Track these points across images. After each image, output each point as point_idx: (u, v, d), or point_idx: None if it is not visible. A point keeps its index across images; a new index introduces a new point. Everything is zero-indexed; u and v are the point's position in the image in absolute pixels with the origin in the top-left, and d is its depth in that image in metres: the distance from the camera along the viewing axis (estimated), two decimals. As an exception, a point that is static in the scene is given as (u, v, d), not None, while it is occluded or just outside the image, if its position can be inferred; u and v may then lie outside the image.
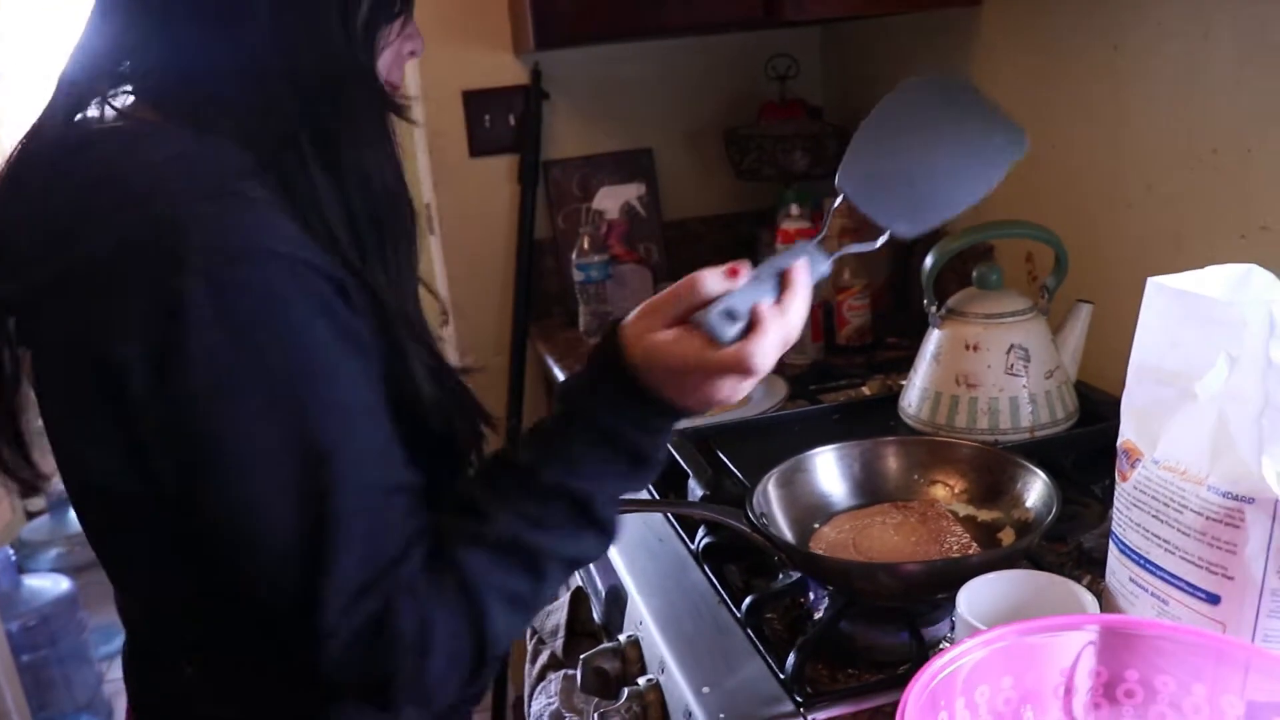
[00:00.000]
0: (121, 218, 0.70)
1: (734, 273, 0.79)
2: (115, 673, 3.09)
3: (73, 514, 3.08)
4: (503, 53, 2.29)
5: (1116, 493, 0.89)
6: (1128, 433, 0.88)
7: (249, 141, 0.75)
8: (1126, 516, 0.88)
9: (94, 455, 0.74)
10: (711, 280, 0.78)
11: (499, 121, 2.33)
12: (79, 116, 0.79)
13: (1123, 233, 1.53)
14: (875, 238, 0.88)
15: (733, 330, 0.77)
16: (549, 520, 0.77)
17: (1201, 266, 0.84)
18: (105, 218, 0.71)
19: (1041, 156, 1.70)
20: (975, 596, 0.88)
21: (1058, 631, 0.77)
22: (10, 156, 0.80)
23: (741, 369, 0.76)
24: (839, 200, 0.89)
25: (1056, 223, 1.49)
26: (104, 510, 0.81)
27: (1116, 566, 0.90)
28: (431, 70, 2.27)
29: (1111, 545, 0.91)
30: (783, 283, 0.80)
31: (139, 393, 0.68)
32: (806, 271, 0.81)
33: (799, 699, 0.94)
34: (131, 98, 0.79)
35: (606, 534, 0.81)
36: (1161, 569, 0.84)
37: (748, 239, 2.39)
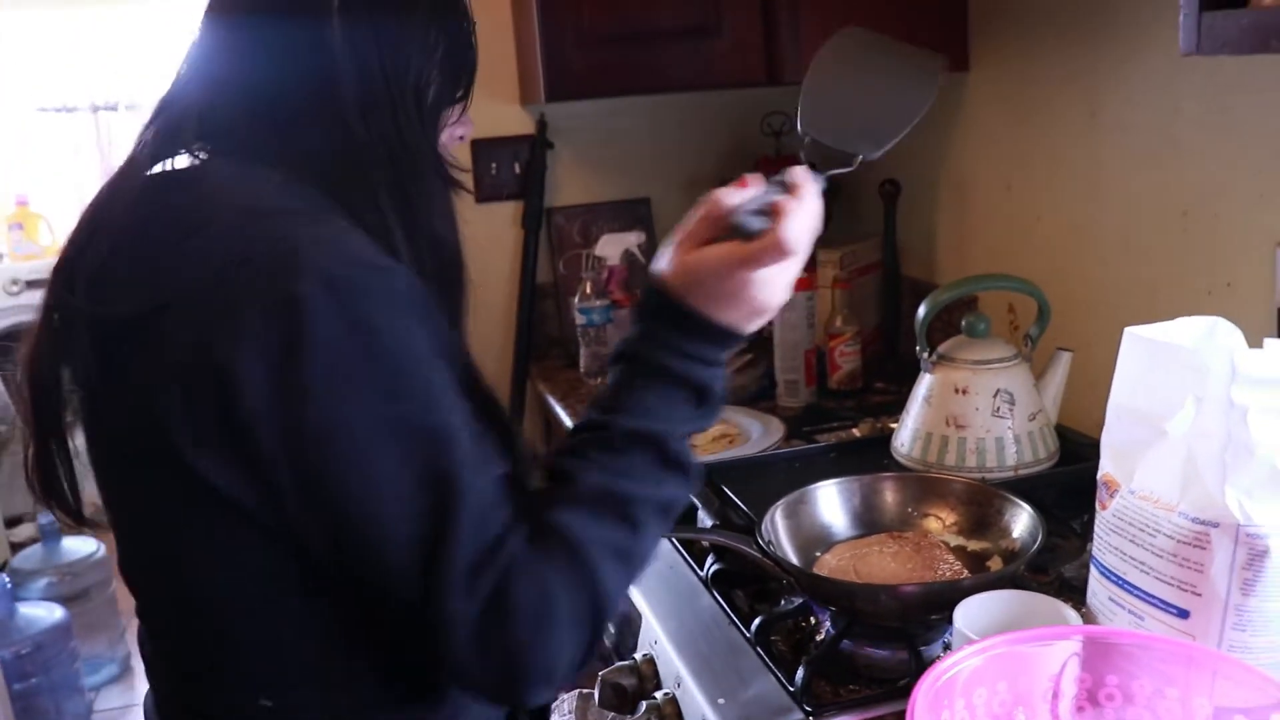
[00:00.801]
0: (226, 244, 0.77)
1: (744, 184, 0.87)
2: (104, 702, 3.12)
3: (65, 543, 3.14)
4: (510, 103, 2.40)
5: (1097, 521, 0.99)
6: (1107, 466, 0.97)
7: (333, 192, 0.84)
8: (1106, 542, 0.97)
9: (208, 467, 0.76)
10: (728, 194, 0.86)
11: (505, 169, 2.44)
12: (167, 160, 0.87)
13: (1100, 287, 1.64)
14: (848, 163, 1.00)
15: (761, 224, 0.83)
16: (632, 468, 0.82)
17: (1172, 318, 0.95)
18: (208, 245, 0.78)
19: (1025, 213, 1.82)
20: (970, 612, 0.97)
21: (1046, 642, 0.86)
22: (102, 193, 0.88)
23: (780, 250, 0.81)
24: (806, 140, 1.01)
25: (1040, 276, 1.60)
26: (200, 528, 0.81)
27: (1097, 588, 0.99)
28: (442, 120, 2.37)
29: (1092, 568, 1.00)
30: (789, 188, 0.86)
31: (258, 397, 0.72)
32: (809, 176, 0.88)
33: (808, 709, 1.02)
34: (203, 151, 0.87)
35: (687, 473, 0.85)
36: (1137, 588, 0.93)
37: (741, 286, 2.50)
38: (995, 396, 1.42)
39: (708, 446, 1.71)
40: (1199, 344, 0.91)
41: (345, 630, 0.84)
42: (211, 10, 0.90)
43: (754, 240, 0.82)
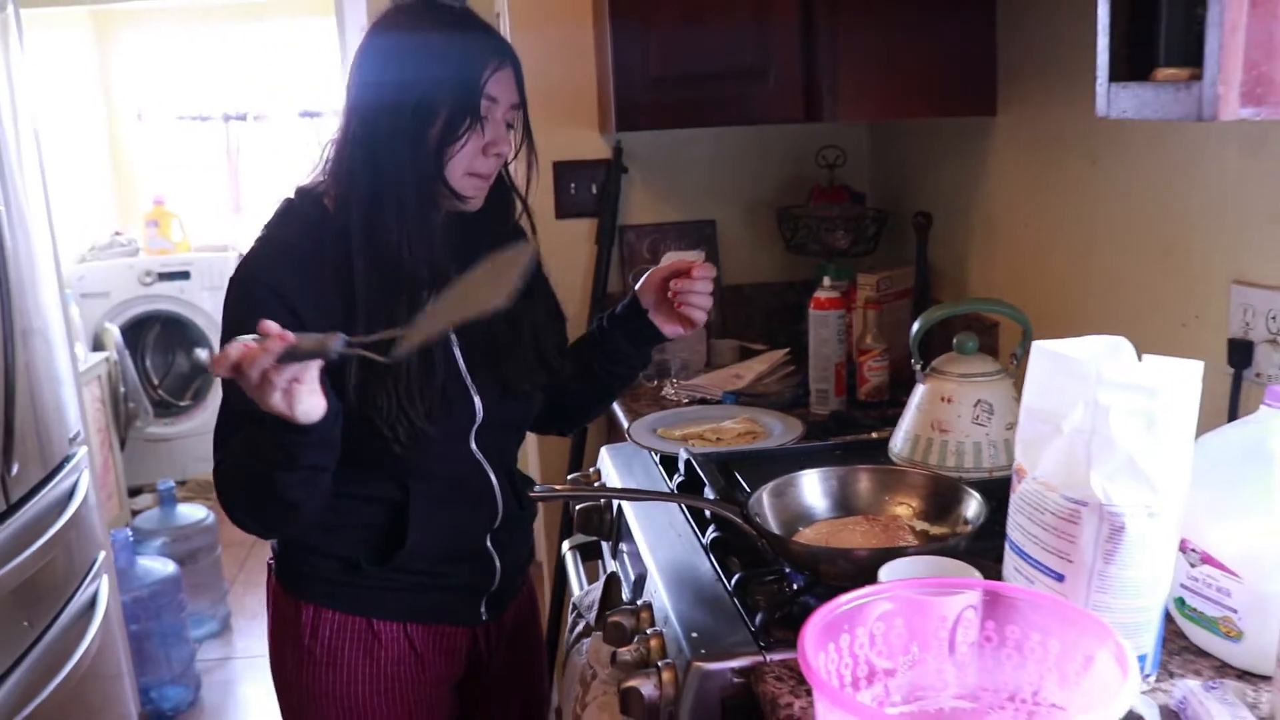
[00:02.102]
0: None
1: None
2: (204, 654, 3.46)
3: (180, 509, 3.50)
4: (590, 130, 2.66)
5: (1010, 503, 1.18)
6: (1019, 457, 1.17)
7: (341, 208, 1.32)
8: (1014, 520, 1.17)
9: None
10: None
11: (583, 189, 2.70)
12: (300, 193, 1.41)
13: (1093, 316, 1.81)
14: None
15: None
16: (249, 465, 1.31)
17: (1150, 347, 1.12)
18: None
19: (1037, 248, 2.00)
20: (895, 569, 1.18)
21: (941, 591, 1.06)
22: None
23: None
24: None
25: (1047, 304, 1.78)
26: None
27: (1007, 559, 1.19)
28: (528, 142, 2.65)
29: (1006, 544, 1.20)
30: None
31: None
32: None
33: (762, 644, 1.24)
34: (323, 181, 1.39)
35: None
36: (1030, 556, 1.13)
37: (795, 305, 2.71)
38: (976, 406, 1.61)
39: (733, 440, 1.93)
40: (1092, 357, 1.10)
41: None
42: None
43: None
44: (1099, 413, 1.04)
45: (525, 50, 2.62)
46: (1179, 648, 1.20)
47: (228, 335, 1.23)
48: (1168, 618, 1.20)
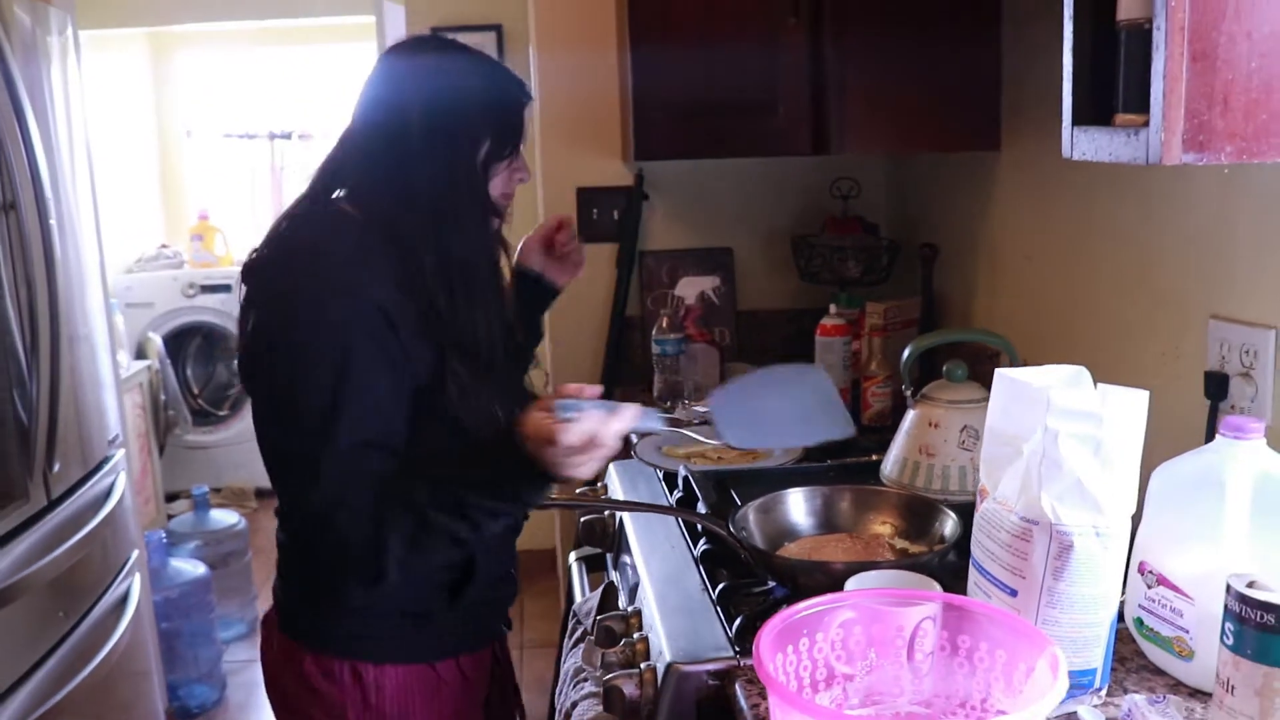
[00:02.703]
0: (288, 273, 1.32)
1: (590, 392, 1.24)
2: (232, 655, 3.56)
3: (213, 514, 3.62)
4: (613, 159, 2.76)
5: (974, 522, 1.25)
6: (983, 478, 1.24)
7: (391, 225, 1.30)
8: (976, 539, 1.23)
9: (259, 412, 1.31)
10: (577, 388, 1.22)
11: (605, 215, 2.79)
12: (319, 201, 1.39)
13: (1077, 344, 1.88)
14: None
15: (566, 415, 1.17)
16: (436, 519, 1.26)
17: (1132, 379, 1.17)
18: (282, 273, 1.34)
19: (1038, 281, 2.06)
20: (861, 581, 1.24)
21: (899, 602, 1.13)
22: (280, 217, 1.40)
23: (550, 436, 1.17)
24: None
25: (1031, 330, 1.84)
26: (264, 432, 1.35)
27: (970, 574, 1.25)
28: (554, 169, 2.75)
29: (970, 562, 1.26)
30: (611, 412, 1.20)
31: (254, 346, 1.32)
32: (633, 415, 1.22)
33: (737, 649, 1.31)
34: (342, 193, 1.38)
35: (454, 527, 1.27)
36: (989, 573, 1.19)
37: (808, 331, 2.77)
38: (961, 431, 1.67)
39: (734, 459, 2.00)
40: (1045, 385, 1.16)
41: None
42: (359, 99, 1.39)
43: (555, 421, 1.18)
44: (1048, 437, 1.10)
45: (552, 79, 2.77)
46: (1137, 665, 1.26)
47: (335, 354, 1.25)
48: (1128, 638, 1.26)
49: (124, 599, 2.43)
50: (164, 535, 3.19)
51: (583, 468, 1.21)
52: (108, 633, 2.29)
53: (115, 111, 4.78)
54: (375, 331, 1.26)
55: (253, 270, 1.37)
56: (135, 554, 2.56)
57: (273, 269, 1.35)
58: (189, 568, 3.20)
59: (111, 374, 2.59)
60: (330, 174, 1.39)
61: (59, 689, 2.03)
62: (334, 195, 1.38)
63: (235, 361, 1.42)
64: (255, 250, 1.38)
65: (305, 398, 1.25)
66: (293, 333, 1.28)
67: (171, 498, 4.70)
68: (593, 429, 1.18)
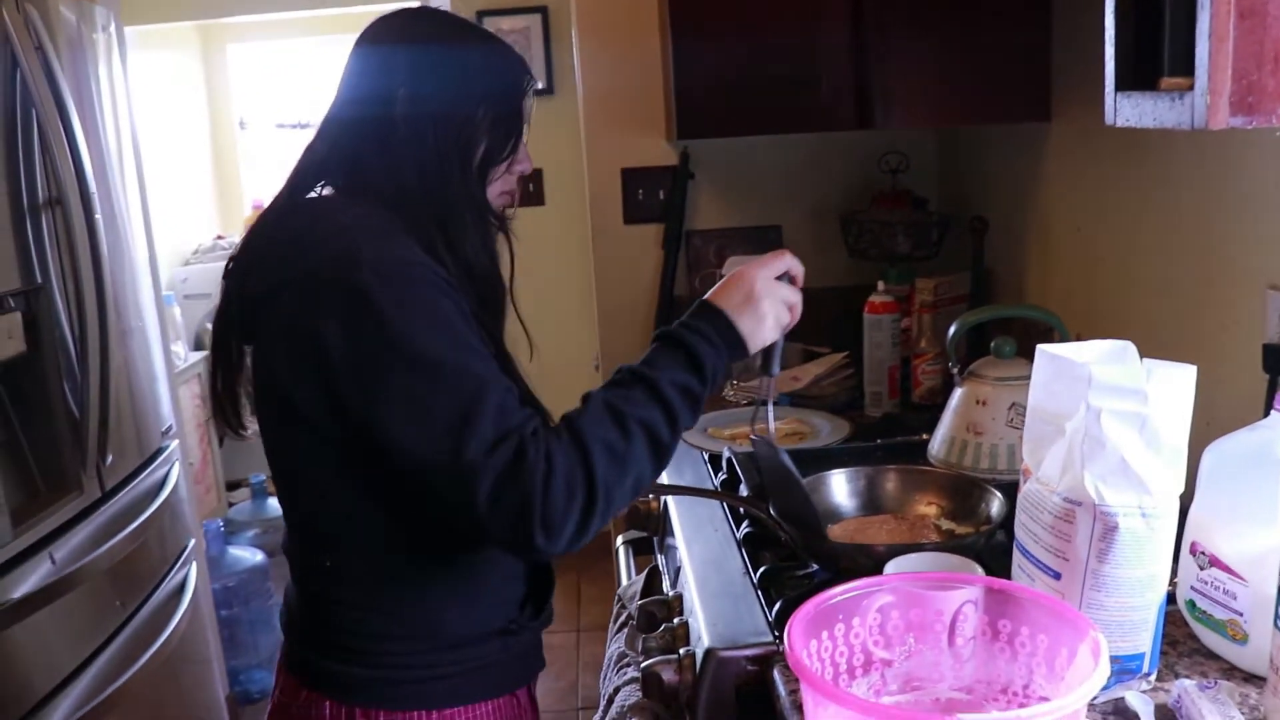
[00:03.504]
0: (323, 244, 1.13)
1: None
2: (296, 642, 3.60)
3: (271, 501, 3.65)
4: (657, 138, 2.73)
5: (1017, 503, 1.21)
6: (1025, 457, 1.20)
7: (403, 221, 1.18)
8: (1019, 521, 1.20)
9: (301, 398, 1.14)
10: None
11: (650, 195, 2.76)
12: (302, 195, 1.26)
13: (1132, 318, 1.82)
14: None
15: None
16: (630, 396, 1.13)
17: (1188, 354, 1.14)
18: (313, 247, 1.14)
19: (1088, 254, 2.00)
20: (901, 564, 1.22)
21: (939, 586, 1.10)
22: (264, 212, 1.26)
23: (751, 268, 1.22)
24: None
25: (1084, 304, 1.79)
26: (291, 443, 1.21)
27: (1014, 557, 1.22)
28: (598, 151, 2.74)
29: (1014, 544, 1.23)
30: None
31: (336, 352, 1.08)
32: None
33: (777, 633, 1.29)
34: (330, 188, 1.25)
35: (669, 409, 1.13)
36: (1032, 555, 1.16)
37: (858, 309, 2.73)
38: (1010, 409, 1.63)
39: (782, 440, 1.96)
40: (1092, 361, 1.12)
41: (386, 514, 1.18)
42: (339, 85, 1.28)
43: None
44: (1090, 415, 1.07)
45: (594, 59, 2.74)
46: (1189, 649, 1.22)
47: (432, 317, 1.08)
48: (1181, 621, 1.22)
49: (181, 587, 2.47)
50: (222, 524, 3.24)
51: (776, 310, 1.22)
52: (165, 621, 2.33)
53: (168, 106, 4.84)
54: (444, 288, 1.12)
55: (250, 269, 1.21)
56: (192, 543, 2.60)
57: (293, 260, 1.16)
58: (247, 555, 3.24)
59: (164, 366, 2.62)
60: (311, 168, 1.26)
61: (118, 676, 2.07)
62: (317, 191, 1.25)
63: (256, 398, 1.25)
64: (235, 254, 1.24)
65: (421, 363, 1.07)
66: (374, 312, 1.07)
67: (233, 486, 4.77)
68: (790, 262, 1.26)
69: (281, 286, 1.15)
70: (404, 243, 1.14)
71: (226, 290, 1.24)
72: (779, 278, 1.26)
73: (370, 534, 1.20)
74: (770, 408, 1.36)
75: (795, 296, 1.27)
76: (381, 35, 1.27)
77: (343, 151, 1.24)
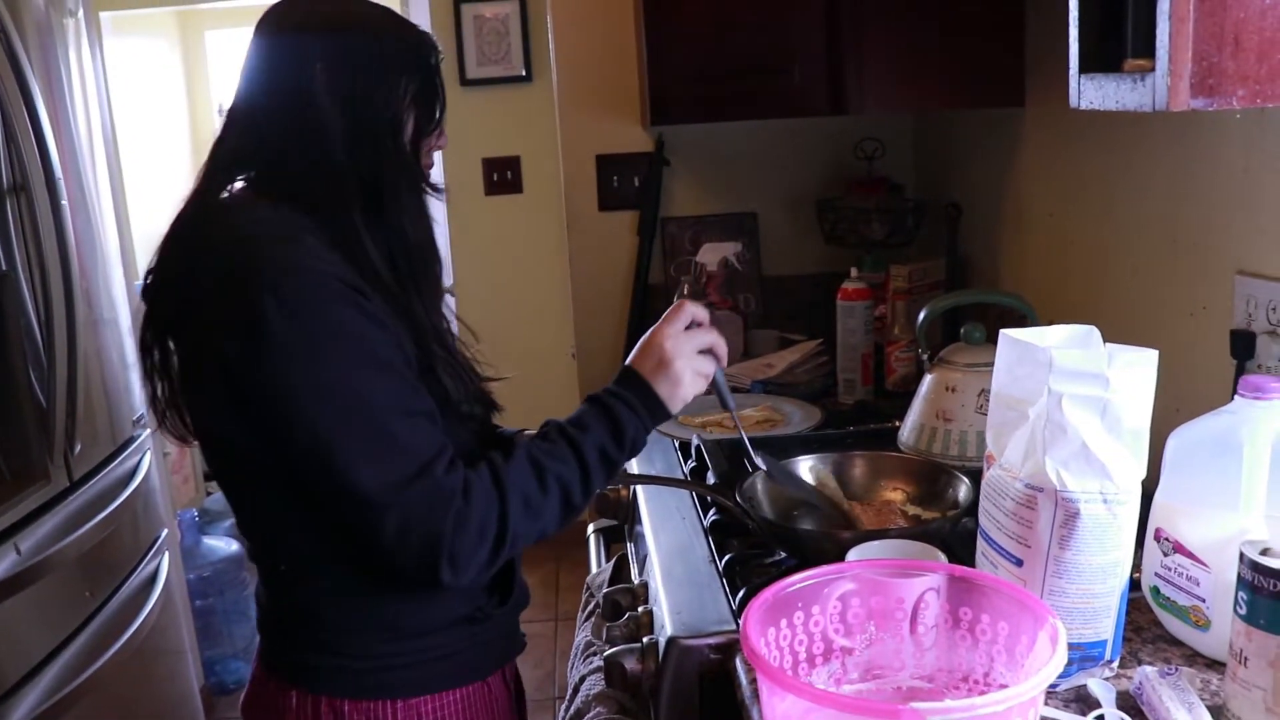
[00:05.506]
0: (221, 261, 1.11)
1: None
2: (274, 632, 3.59)
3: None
4: (632, 124, 2.71)
5: (981, 489, 1.20)
6: (990, 444, 1.19)
7: (316, 211, 1.15)
8: (983, 508, 1.19)
9: (214, 420, 1.15)
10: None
11: (625, 182, 2.75)
12: (214, 195, 1.21)
13: (1107, 306, 1.81)
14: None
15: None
16: (554, 452, 1.17)
17: (1157, 339, 1.14)
18: (212, 262, 1.12)
19: (1059, 239, 1.99)
20: (864, 551, 1.21)
21: (903, 574, 1.09)
22: (171, 222, 1.21)
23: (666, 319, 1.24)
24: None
25: (1057, 289, 1.78)
26: (223, 456, 1.20)
27: (979, 544, 1.21)
28: (573, 137, 2.72)
29: (978, 531, 1.22)
30: None
31: (241, 374, 1.08)
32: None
33: (739, 622, 1.27)
34: (243, 183, 1.20)
35: (586, 472, 1.18)
36: (995, 542, 1.15)
37: (832, 295, 2.72)
38: (979, 396, 1.63)
39: (751, 427, 1.96)
40: (1054, 345, 1.12)
41: (320, 529, 1.16)
42: (242, 74, 1.22)
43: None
44: (1052, 400, 1.06)
45: (570, 45, 2.72)
46: (1154, 636, 1.21)
47: (335, 336, 1.07)
48: (1146, 607, 1.22)
49: (153, 577, 2.45)
50: (196, 514, 3.22)
51: (691, 365, 1.23)
52: (137, 611, 2.31)
53: (146, 93, 4.80)
54: (348, 298, 1.10)
55: (160, 287, 1.20)
56: (165, 533, 2.58)
57: (199, 276, 1.14)
58: (222, 545, 3.22)
59: (135, 354, 2.59)
60: (223, 161, 1.21)
61: (88, 666, 2.05)
62: (232, 186, 1.20)
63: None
64: (151, 266, 1.20)
65: (323, 393, 1.08)
66: (266, 331, 1.06)
67: (211, 477, 4.74)
68: (691, 311, 1.25)
69: (188, 307, 1.15)
70: (310, 248, 1.11)
71: (147, 307, 1.22)
72: (688, 328, 1.27)
73: (312, 542, 1.18)
74: (744, 436, 1.42)
75: (709, 338, 1.27)
76: (285, 22, 1.21)
77: (260, 141, 1.19)
